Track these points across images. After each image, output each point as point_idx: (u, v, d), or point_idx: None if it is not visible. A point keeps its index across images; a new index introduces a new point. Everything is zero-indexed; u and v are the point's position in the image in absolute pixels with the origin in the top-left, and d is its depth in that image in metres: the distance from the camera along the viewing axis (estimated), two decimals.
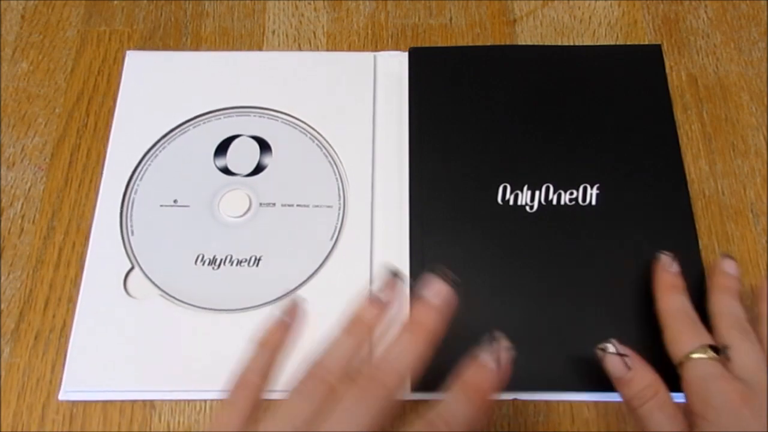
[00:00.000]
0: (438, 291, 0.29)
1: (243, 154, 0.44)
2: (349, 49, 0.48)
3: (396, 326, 0.28)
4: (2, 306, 0.40)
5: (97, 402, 0.38)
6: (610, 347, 0.32)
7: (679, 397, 0.37)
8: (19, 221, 0.42)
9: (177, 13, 0.50)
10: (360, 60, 0.47)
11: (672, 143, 0.43)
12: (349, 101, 0.45)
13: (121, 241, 0.41)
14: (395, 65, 0.47)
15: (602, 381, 0.37)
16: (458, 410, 0.27)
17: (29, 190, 0.43)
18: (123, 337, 0.38)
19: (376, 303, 0.29)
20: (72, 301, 0.40)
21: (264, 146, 0.44)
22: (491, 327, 0.38)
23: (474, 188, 0.42)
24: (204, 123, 0.45)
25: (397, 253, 0.41)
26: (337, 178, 0.43)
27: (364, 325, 0.29)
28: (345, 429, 0.25)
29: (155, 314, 0.39)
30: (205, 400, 0.38)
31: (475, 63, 0.46)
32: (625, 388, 0.32)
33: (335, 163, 0.44)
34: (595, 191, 0.42)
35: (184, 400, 0.38)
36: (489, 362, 0.28)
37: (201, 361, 0.38)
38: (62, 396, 0.38)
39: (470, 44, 0.48)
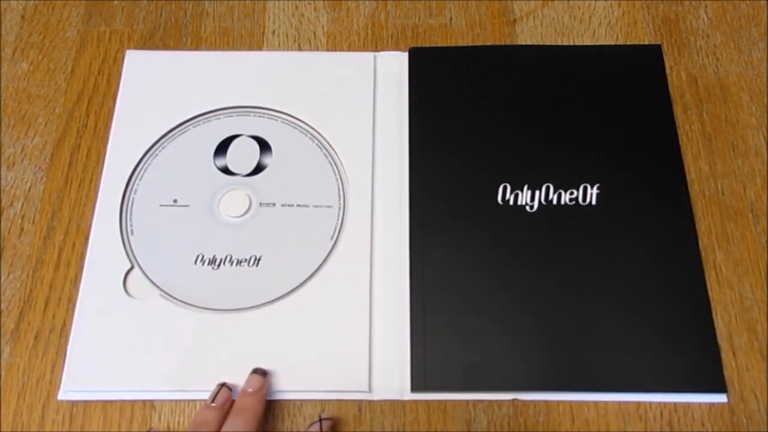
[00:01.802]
0: (253, 383, 0.37)
1: (243, 154, 0.44)
2: (349, 49, 0.48)
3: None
4: (2, 306, 0.40)
5: (97, 402, 0.38)
6: None
7: (689, 397, 0.37)
8: (19, 221, 0.42)
9: (177, 13, 0.50)
10: (360, 60, 0.47)
11: (672, 143, 0.43)
12: (349, 101, 0.45)
13: (120, 240, 0.41)
14: (395, 65, 0.47)
15: (602, 381, 0.37)
16: None
17: (29, 190, 0.43)
18: (123, 337, 0.38)
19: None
20: (72, 301, 0.40)
21: (264, 146, 0.44)
22: (490, 327, 0.39)
23: (474, 188, 0.42)
24: (204, 123, 0.45)
25: (397, 253, 0.41)
26: (337, 178, 0.43)
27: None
28: None
29: (155, 314, 0.39)
30: (205, 400, 0.38)
31: (475, 63, 0.46)
32: None
33: (335, 163, 0.44)
34: (595, 191, 0.42)
35: (184, 400, 0.38)
36: (315, 428, 0.36)
37: (201, 361, 0.38)
38: (62, 396, 0.38)
39: (470, 44, 0.48)
